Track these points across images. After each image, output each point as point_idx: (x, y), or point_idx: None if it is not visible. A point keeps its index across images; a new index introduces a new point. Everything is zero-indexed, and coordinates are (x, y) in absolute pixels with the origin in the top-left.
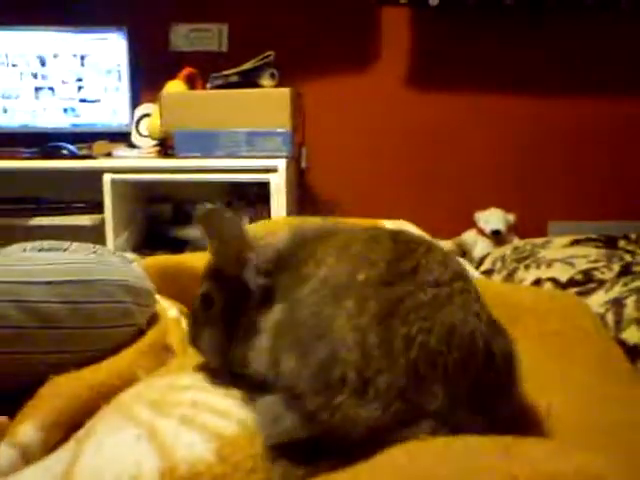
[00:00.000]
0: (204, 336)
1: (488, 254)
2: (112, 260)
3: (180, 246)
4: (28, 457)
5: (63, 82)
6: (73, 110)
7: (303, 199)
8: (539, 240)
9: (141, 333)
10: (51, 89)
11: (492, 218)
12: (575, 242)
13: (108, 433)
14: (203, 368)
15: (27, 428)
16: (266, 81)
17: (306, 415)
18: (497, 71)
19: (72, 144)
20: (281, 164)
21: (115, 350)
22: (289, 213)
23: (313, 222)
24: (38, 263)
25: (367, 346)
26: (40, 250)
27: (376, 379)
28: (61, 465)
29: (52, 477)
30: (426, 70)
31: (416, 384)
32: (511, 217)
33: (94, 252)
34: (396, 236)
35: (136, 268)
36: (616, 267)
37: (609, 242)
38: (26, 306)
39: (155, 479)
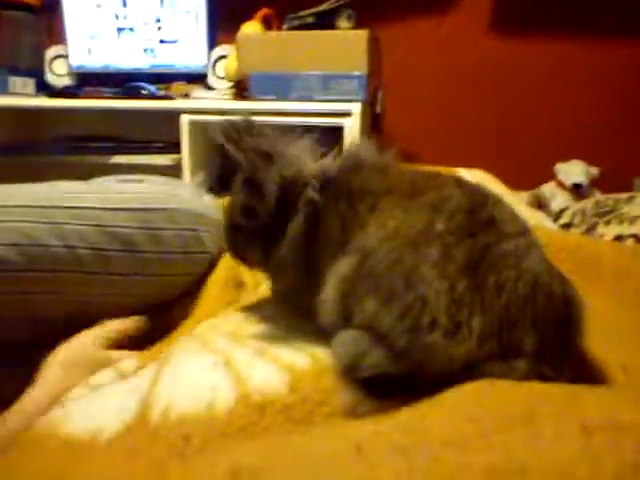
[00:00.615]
0: (253, 247)
1: (567, 208)
2: (185, 191)
3: None
4: (124, 376)
5: (143, 23)
6: (152, 51)
7: (378, 144)
8: (623, 195)
9: (212, 263)
10: (132, 30)
11: (573, 170)
12: None
13: (185, 359)
14: (276, 304)
15: (130, 361)
16: (343, 23)
17: (396, 352)
18: (584, 16)
19: (151, 84)
20: (356, 108)
21: (192, 277)
22: None
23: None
24: (118, 192)
25: (457, 293)
26: (118, 182)
27: (469, 322)
28: (144, 385)
29: (138, 396)
30: (510, 12)
31: (509, 326)
32: (594, 170)
33: (167, 183)
34: (462, 185)
35: (208, 199)
36: None
37: None
38: (107, 230)
39: (229, 405)
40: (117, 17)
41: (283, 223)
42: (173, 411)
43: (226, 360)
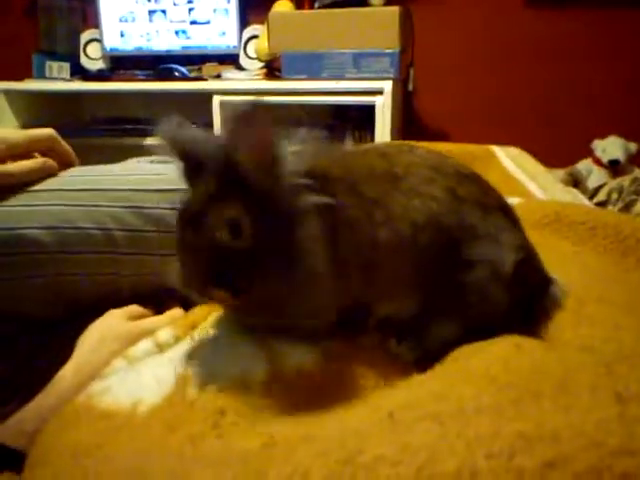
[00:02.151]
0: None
1: (604, 185)
2: None
3: None
4: (162, 348)
5: (174, 4)
6: (184, 32)
7: (409, 123)
8: None
9: None
10: (163, 12)
11: (611, 147)
12: None
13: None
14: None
15: (166, 329)
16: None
17: None
18: None
19: (183, 66)
20: (387, 86)
21: None
22: (393, 137)
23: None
24: (150, 173)
25: None
26: (151, 162)
27: None
28: (181, 359)
29: (174, 368)
30: None
31: None
32: (632, 146)
33: None
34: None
35: None
36: None
37: None
38: (141, 212)
39: (264, 380)
40: (149, 0)
41: (280, 237)
42: (209, 385)
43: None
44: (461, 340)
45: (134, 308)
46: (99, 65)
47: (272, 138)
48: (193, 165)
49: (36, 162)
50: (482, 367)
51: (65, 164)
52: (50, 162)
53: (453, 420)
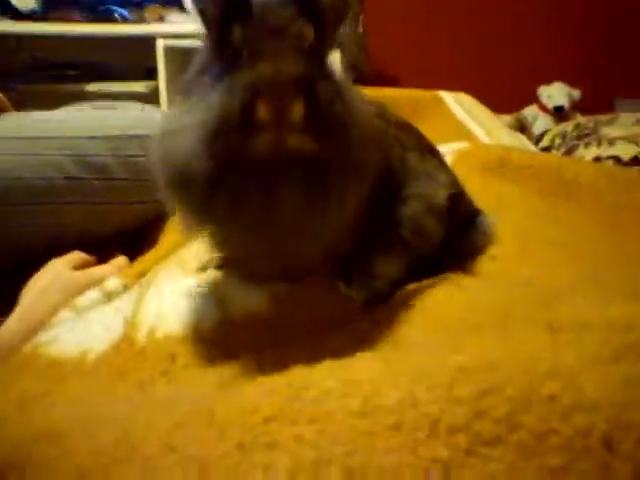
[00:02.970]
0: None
1: (548, 130)
2: (157, 115)
3: None
4: (110, 297)
5: None
6: None
7: (362, 64)
8: (604, 117)
9: None
10: None
11: (556, 93)
12: None
13: (169, 281)
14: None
15: (114, 279)
16: None
17: None
18: None
19: (124, 8)
20: None
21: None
22: (347, 77)
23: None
24: (91, 119)
25: None
26: (93, 109)
27: None
28: (129, 307)
29: (122, 316)
30: None
31: None
32: (576, 93)
33: (139, 109)
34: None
35: None
36: None
37: None
38: (83, 160)
39: (214, 325)
40: None
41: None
42: (159, 331)
43: (210, 284)
44: (405, 279)
45: (77, 255)
46: (31, 5)
47: None
48: None
49: None
50: (426, 306)
51: None
52: None
53: (398, 358)
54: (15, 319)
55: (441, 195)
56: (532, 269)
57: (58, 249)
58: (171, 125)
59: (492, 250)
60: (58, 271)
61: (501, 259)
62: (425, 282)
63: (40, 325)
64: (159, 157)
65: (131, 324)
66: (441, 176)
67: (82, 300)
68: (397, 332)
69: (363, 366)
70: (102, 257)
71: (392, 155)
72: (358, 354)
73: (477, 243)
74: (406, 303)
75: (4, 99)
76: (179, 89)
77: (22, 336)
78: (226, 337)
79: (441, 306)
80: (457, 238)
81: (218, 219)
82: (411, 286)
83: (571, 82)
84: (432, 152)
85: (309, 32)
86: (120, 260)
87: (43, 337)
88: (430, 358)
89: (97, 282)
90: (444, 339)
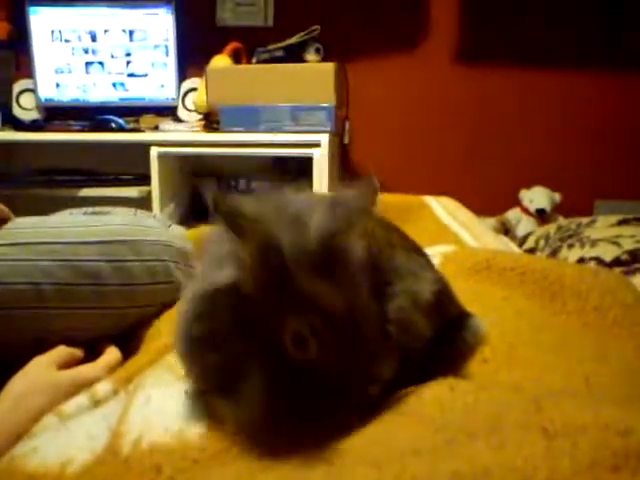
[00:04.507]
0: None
1: (532, 232)
2: (151, 222)
3: None
4: (98, 403)
5: (112, 57)
6: (122, 84)
7: (345, 174)
8: (584, 219)
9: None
10: (101, 64)
11: (537, 196)
12: (622, 222)
13: (157, 388)
14: None
15: (104, 383)
16: (311, 56)
17: None
18: (546, 47)
19: (120, 118)
20: (324, 139)
21: (158, 307)
22: (330, 189)
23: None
24: (82, 225)
25: None
26: (84, 214)
27: None
28: (114, 414)
29: (108, 425)
30: (473, 45)
31: None
32: (557, 196)
33: (134, 215)
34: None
35: (175, 229)
36: None
37: None
38: (72, 264)
39: (201, 433)
40: (86, 51)
41: None
42: (144, 440)
43: (198, 389)
44: (395, 383)
45: (62, 351)
46: (33, 116)
47: None
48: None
49: None
50: (418, 410)
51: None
52: None
53: (390, 464)
54: None
55: (427, 290)
56: (522, 372)
57: (43, 347)
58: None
59: (482, 352)
60: (42, 371)
61: (491, 362)
62: (417, 386)
63: (20, 433)
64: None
65: (116, 433)
66: (427, 274)
67: (68, 406)
68: (388, 437)
69: (356, 474)
70: (91, 349)
71: (381, 254)
72: (350, 460)
73: (467, 345)
74: (398, 407)
75: (4, 208)
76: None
77: (3, 444)
78: (214, 445)
79: (434, 410)
80: (446, 340)
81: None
82: (404, 390)
83: (552, 186)
84: (417, 251)
85: None
86: (110, 356)
87: (22, 448)
88: (424, 464)
89: (85, 384)
90: (437, 444)
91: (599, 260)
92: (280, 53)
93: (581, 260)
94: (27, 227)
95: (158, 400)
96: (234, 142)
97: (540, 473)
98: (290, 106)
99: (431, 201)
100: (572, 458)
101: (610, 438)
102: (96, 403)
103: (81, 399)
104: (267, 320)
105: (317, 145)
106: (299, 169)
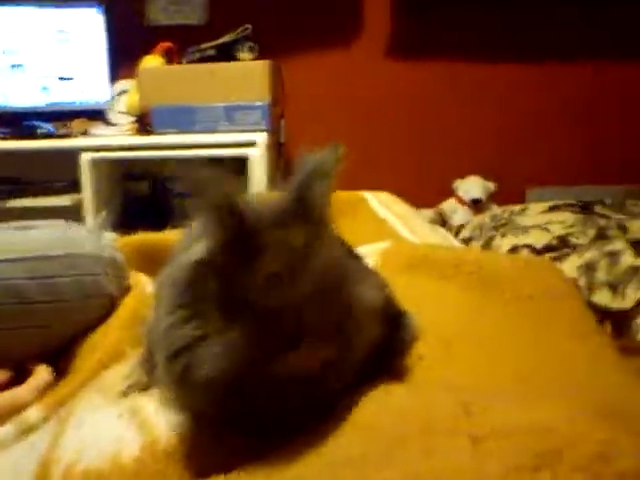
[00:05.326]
0: None
1: (467, 222)
2: (80, 234)
3: (159, 224)
4: (27, 431)
5: (39, 59)
6: (50, 88)
7: (282, 173)
8: (517, 207)
9: (114, 304)
10: (26, 66)
11: (472, 186)
12: (552, 208)
13: (89, 412)
14: None
15: (34, 410)
16: (244, 54)
17: None
18: (475, 39)
19: (49, 123)
20: (260, 138)
21: (91, 322)
22: (268, 187)
23: None
24: (5, 242)
25: None
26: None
27: None
28: (45, 442)
29: (37, 454)
30: (405, 41)
31: None
32: (491, 185)
33: (61, 227)
34: None
35: (106, 239)
36: (591, 232)
37: (585, 207)
38: None
39: (135, 455)
40: (10, 53)
41: None
42: (77, 467)
43: (132, 410)
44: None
45: None
46: None
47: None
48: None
49: None
50: (354, 416)
51: None
52: None
53: (321, 474)
54: None
55: (379, 298)
56: (456, 370)
57: None
58: (185, 340)
59: (417, 349)
60: None
61: (426, 359)
62: (355, 388)
63: None
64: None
65: (47, 460)
66: (374, 278)
67: None
68: (322, 444)
69: None
70: (20, 369)
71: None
72: (283, 471)
73: (404, 344)
74: (332, 413)
75: None
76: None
77: None
78: (148, 468)
79: (368, 415)
80: (386, 339)
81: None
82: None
83: (485, 175)
84: (357, 256)
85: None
86: (40, 377)
87: None
88: (356, 474)
89: (13, 410)
90: (371, 452)
91: (531, 247)
92: (212, 52)
93: (514, 248)
94: None
95: (91, 424)
96: (168, 144)
97: (468, 478)
98: (224, 105)
99: (368, 196)
100: (498, 462)
101: (533, 439)
102: (24, 431)
103: (6, 429)
104: (239, 277)
105: (253, 144)
106: (236, 169)
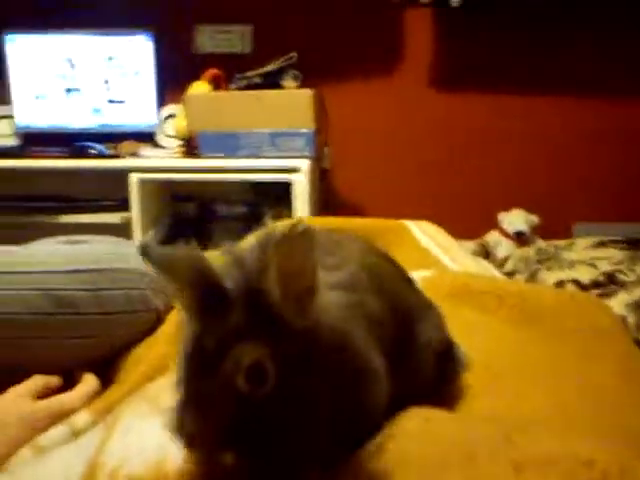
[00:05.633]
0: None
1: (510, 255)
2: (129, 250)
3: (204, 245)
4: (76, 434)
5: (92, 83)
6: (101, 111)
7: (326, 199)
8: (562, 242)
9: (160, 319)
10: (79, 90)
11: (515, 219)
12: (599, 244)
13: (136, 419)
14: None
15: (83, 414)
16: (289, 82)
17: None
18: (521, 71)
19: (100, 144)
20: (304, 164)
21: (136, 335)
22: (311, 213)
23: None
24: (60, 254)
25: None
26: (60, 242)
27: None
28: (92, 446)
29: (85, 456)
30: (449, 71)
31: None
32: (535, 218)
33: (112, 243)
34: None
35: None
36: (639, 269)
37: (633, 244)
38: (49, 294)
39: (178, 464)
40: (65, 78)
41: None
42: (121, 472)
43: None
44: None
45: (39, 381)
46: (10, 142)
47: (312, 268)
48: (207, 294)
49: None
50: (394, 444)
51: None
52: None
53: None
54: None
55: (438, 339)
56: (494, 400)
57: (19, 377)
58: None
59: (465, 379)
60: (17, 402)
61: (470, 389)
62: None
63: None
64: None
65: (93, 464)
66: (431, 315)
67: (46, 438)
68: (364, 470)
69: None
70: (69, 378)
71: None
72: None
73: (455, 374)
74: (379, 441)
75: None
76: None
77: None
78: (190, 477)
79: (409, 441)
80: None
81: None
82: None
83: (530, 209)
84: (414, 287)
85: (254, 352)
86: (87, 385)
87: None
88: None
89: (61, 414)
90: (410, 479)
91: (577, 282)
92: (258, 80)
93: (560, 282)
94: (3, 256)
95: (137, 431)
96: (213, 167)
97: None
98: (269, 132)
99: (411, 225)
100: None
101: (577, 469)
102: (75, 434)
103: (59, 431)
104: (220, 356)
105: (297, 170)
106: (279, 195)
